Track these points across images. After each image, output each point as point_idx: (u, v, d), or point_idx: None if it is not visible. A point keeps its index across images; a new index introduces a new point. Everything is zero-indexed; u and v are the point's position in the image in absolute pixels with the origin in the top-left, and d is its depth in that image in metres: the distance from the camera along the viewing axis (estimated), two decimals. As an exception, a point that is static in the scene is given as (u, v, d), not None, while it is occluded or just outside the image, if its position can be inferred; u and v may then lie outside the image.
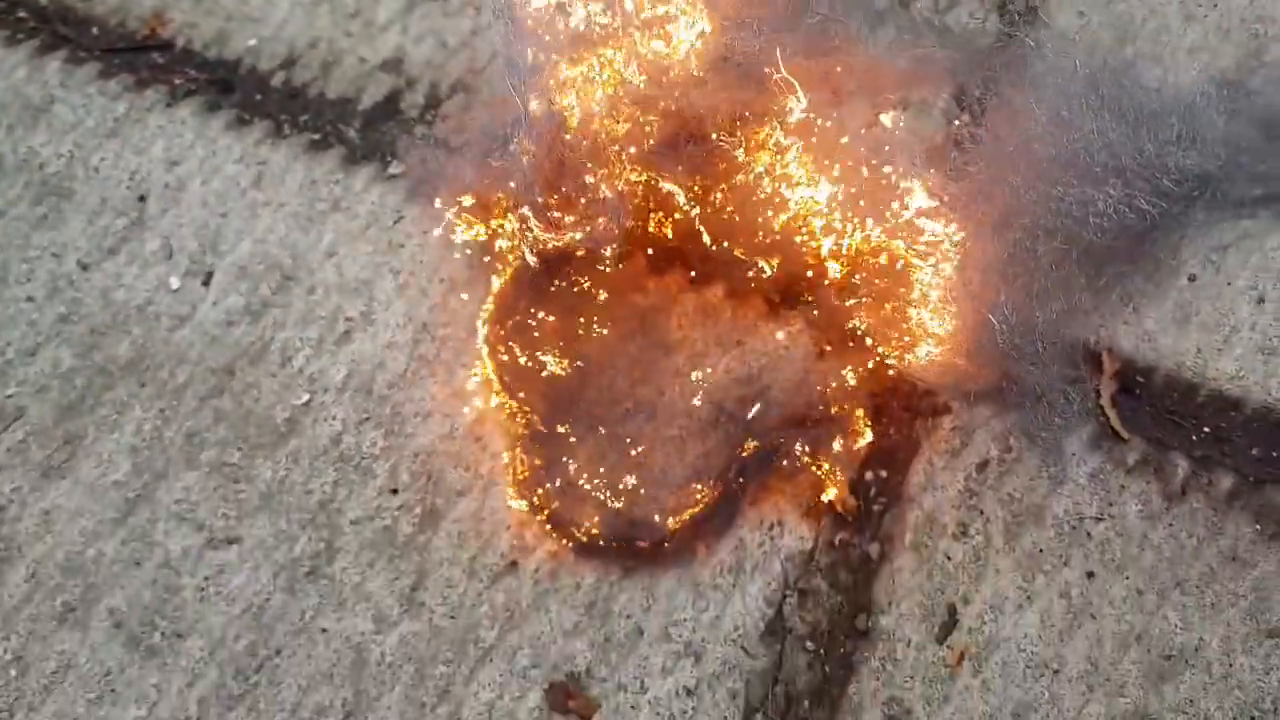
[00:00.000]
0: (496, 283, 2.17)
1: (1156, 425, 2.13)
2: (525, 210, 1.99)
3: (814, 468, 2.08)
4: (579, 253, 2.12)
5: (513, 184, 1.98)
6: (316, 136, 2.43)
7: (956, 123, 2.28)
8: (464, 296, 2.22)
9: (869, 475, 2.11)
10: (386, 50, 2.50)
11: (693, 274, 2.22)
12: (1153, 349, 2.19)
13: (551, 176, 1.93)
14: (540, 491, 2.06)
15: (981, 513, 2.06)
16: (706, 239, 2.18)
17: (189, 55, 2.52)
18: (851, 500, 2.10)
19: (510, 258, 2.14)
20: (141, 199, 2.35)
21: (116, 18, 2.56)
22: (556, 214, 1.95)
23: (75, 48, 2.51)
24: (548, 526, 2.05)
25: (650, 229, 2.19)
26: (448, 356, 2.19)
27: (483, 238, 2.20)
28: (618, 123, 2.00)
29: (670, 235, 2.19)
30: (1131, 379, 2.18)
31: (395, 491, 2.08)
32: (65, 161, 2.38)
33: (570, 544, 2.03)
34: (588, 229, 1.95)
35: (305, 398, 2.17)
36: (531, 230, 2.01)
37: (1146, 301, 2.23)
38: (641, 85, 2.05)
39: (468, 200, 2.13)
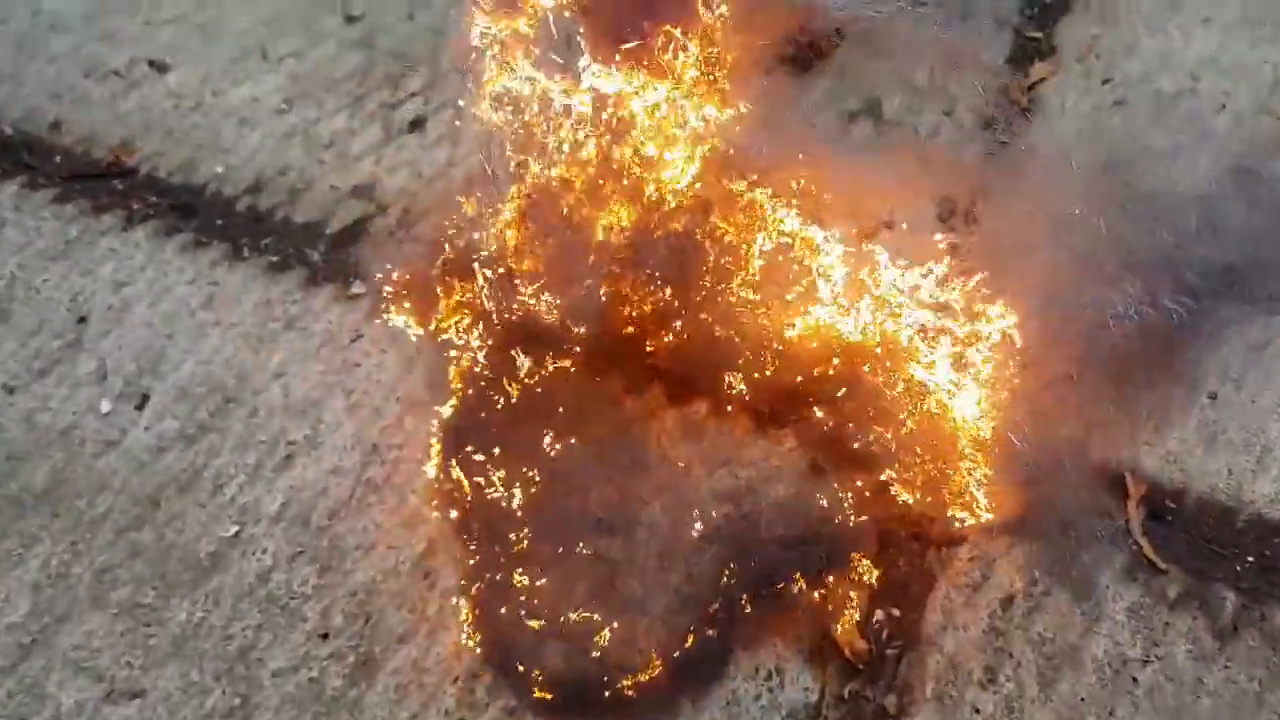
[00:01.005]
0: (454, 401, 1.95)
1: (1195, 555, 1.87)
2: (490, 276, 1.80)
3: (815, 605, 1.78)
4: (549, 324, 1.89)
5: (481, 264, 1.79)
6: (276, 259, 2.28)
7: (945, 236, 2.15)
8: (420, 416, 2.00)
9: (879, 615, 1.82)
10: (359, 178, 2.40)
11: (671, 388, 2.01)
12: (1180, 471, 1.96)
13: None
14: (495, 636, 1.75)
15: (1010, 655, 1.75)
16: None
17: (152, 181, 2.42)
18: (861, 643, 1.79)
19: (473, 372, 1.92)
20: (81, 320, 2.17)
21: (82, 146, 2.48)
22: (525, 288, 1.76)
23: (35, 174, 2.42)
24: (503, 678, 1.72)
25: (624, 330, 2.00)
26: (399, 480, 1.94)
27: (442, 343, 1.99)
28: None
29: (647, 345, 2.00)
30: (1161, 504, 1.94)
31: (326, 637, 1.77)
32: (5, 283, 2.21)
33: (529, 700, 1.70)
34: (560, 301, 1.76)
35: (234, 530, 1.89)
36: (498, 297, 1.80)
37: (1167, 421, 2.02)
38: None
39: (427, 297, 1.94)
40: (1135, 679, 1.72)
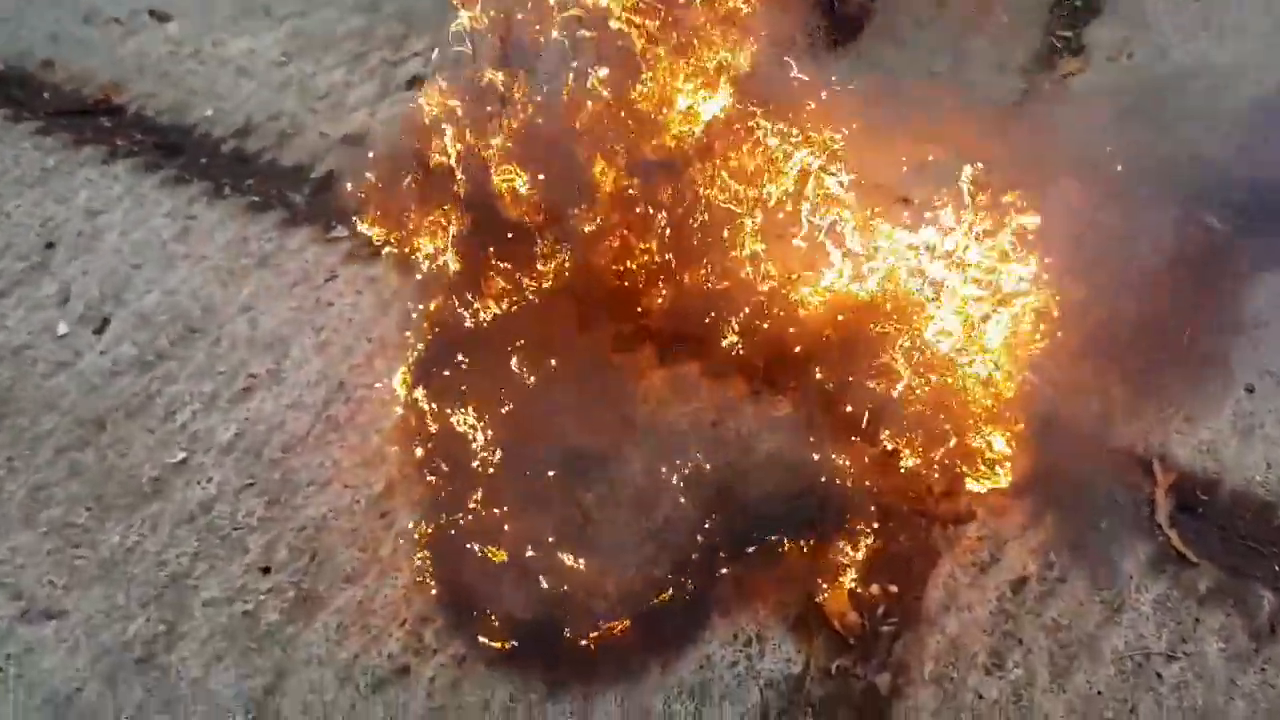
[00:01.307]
0: (426, 331, 1.88)
1: (1229, 550, 1.75)
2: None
3: (803, 570, 1.68)
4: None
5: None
6: (257, 198, 2.25)
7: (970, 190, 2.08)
8: (391, 358, 1.93)
9: (875, 589, 1.70)
10: (351, 128, 2.39)
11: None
12: (1214, 462, 1.86)
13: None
14: (451, 580, 1.65)
15: (1020, 641, 1.63)
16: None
17: (139, 120, 2.41)
18: (853, 616, 1.67)
19: (446, 302, 1.85)
20: (49, 245, 2.13)
21: (72, 85, 2.48)
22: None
23: (21, 108, 2.42)
24: (455, 625, 1.62)
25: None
26: (363, 420, 1.86)
27: (419, 283, 1.93)
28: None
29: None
30: (1192, 495, 1.83)
31: (267, 570, 1.67)
32: (-25, 207, 2.20)
33: (483, 648, 1.59)
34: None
35: (181, 456, 1.82)
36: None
37: (1200, 411, 1.93)
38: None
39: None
40: (1160, 674, 1.59)
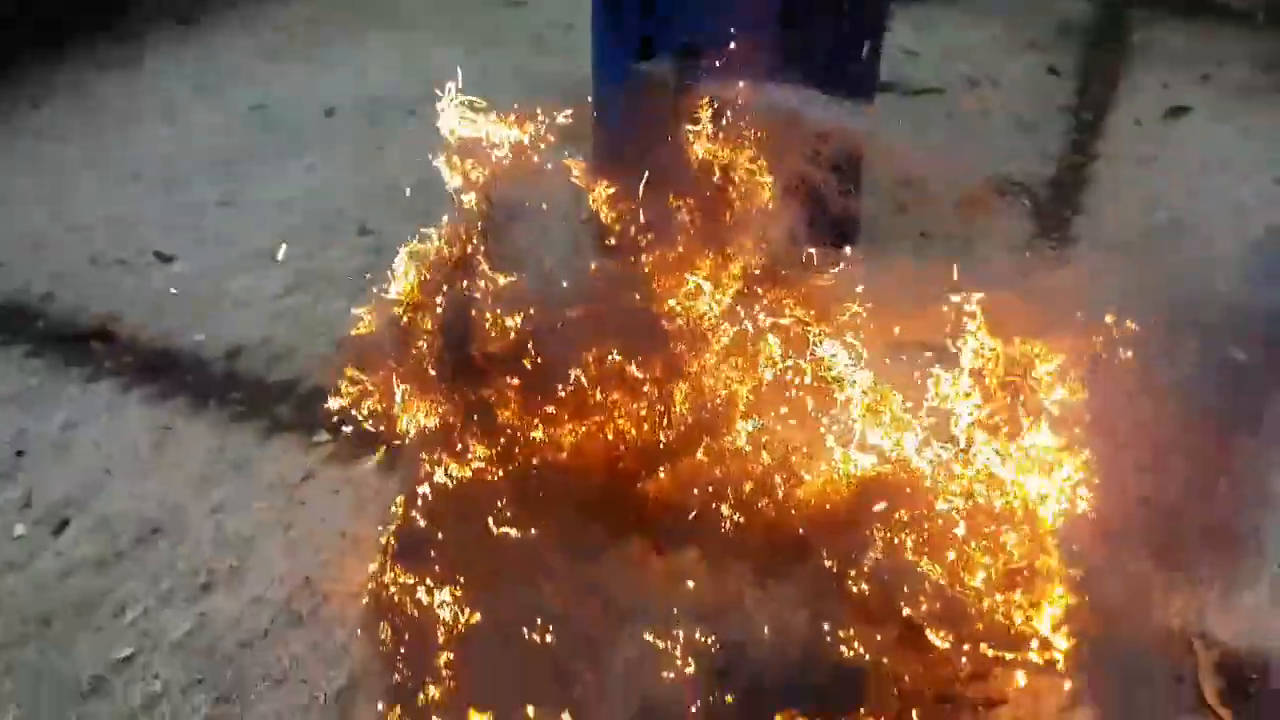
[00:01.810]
0: (401, 520, 1.87)
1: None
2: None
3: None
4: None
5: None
6: (241, 409, 2.33)
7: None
8: (365, 555, 1.91)
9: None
10: (345, 347, 2.51)
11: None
12: (1261, 636, 1.79)
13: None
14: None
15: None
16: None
17: (130, 346, 2.54)
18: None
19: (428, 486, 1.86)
20: (19, 454, 2.18)
21: (68, 315, 2.65)
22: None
23: (14, 335, 2.56)
24: (420, 831, 1.48)
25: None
26: (327, 615, 1.81)
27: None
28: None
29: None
30: (1239, 673, 1.74)
31: (209, 774, 1.56)
32: (-50, 424, 2.27)
33: None
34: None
35: (127, 652, 1.74)
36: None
37: (1235, 585, 1.88)
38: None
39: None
40: None
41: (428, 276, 1.84)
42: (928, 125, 3.70)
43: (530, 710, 1.61)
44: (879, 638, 1.72)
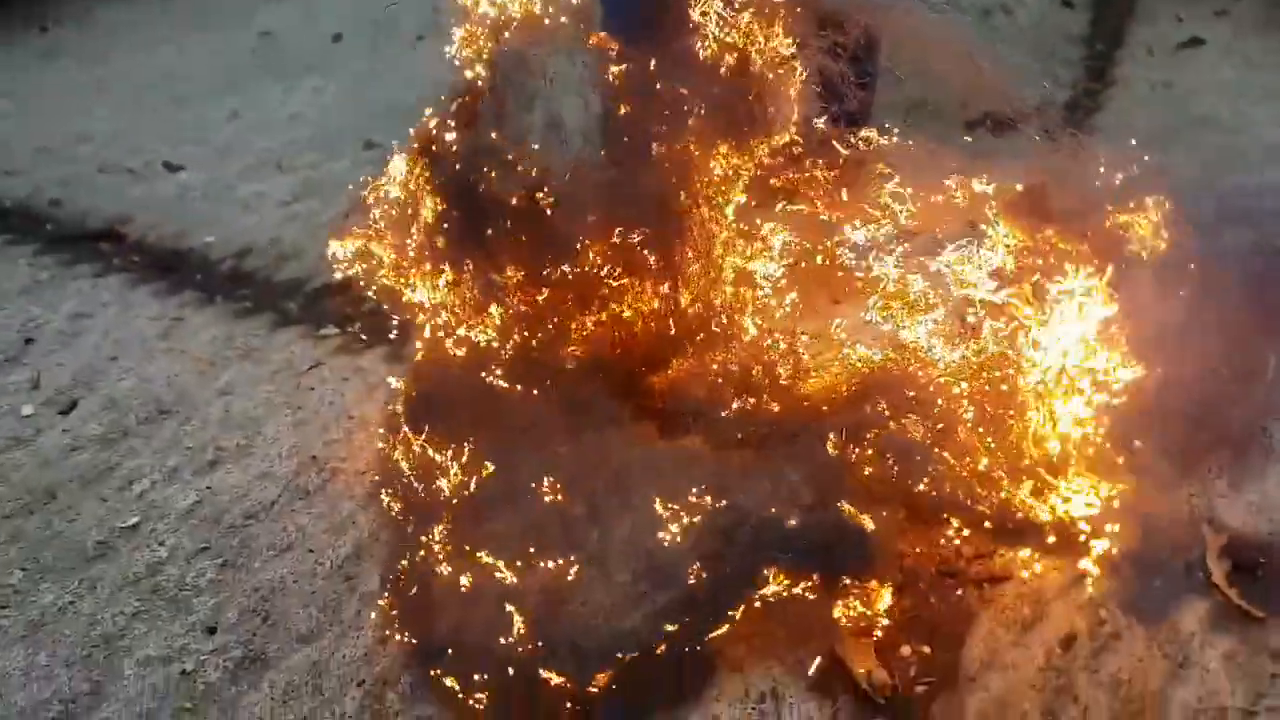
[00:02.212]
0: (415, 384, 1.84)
1: (1299, 606, 1.62)
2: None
3: (823, 621, 1.54)
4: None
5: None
6: (249, 305, 2.31)
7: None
8: (371, 434, 1.89)
9: (906, 650, 1.56)
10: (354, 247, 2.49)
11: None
12: (1268, 521, 1.76)
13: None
14: (423, 640, 1.51)
15: (1076, 698, 1.47)
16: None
17: (139, 246, 2.52)
18: (882, 675, 1.51)
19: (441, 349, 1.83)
20: (28, 341, 2.16)
21: (76, 219, 2.63)
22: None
23: (22, 235, 2.54)
24: (423, 686, 1.47)
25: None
26: (335, 489, 1.79)
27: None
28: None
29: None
30: (1247, 556, 1.72)
31: (213, 630, 1.54)
32: (-38, 315, 2.26)
33: (456, 706, 1.43)
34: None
35: (134, 521, 1.73)
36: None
37: (1242, 477, 1.86)
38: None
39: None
40: (1244, 734, 1.42)
41: (435, 145, 1.79)
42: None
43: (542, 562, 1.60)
44: (884, 514, 1.70)
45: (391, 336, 2.13)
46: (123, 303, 2.31)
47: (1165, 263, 1.81)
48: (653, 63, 1.93)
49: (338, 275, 2.02)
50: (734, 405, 1.90)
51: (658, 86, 1.92)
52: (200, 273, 2.45)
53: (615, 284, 1.91)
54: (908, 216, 1.94)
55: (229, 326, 2.24)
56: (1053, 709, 1.45)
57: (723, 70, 2.00)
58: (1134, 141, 2.83)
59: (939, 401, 1.80)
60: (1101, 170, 1.91)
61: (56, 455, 1.89)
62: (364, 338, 2.17)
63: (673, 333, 1.97)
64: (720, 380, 1.95)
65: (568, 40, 1.81)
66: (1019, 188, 1.85)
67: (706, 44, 1.99)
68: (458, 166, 1.68)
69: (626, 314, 1.98)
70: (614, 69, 1.89)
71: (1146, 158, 1.83)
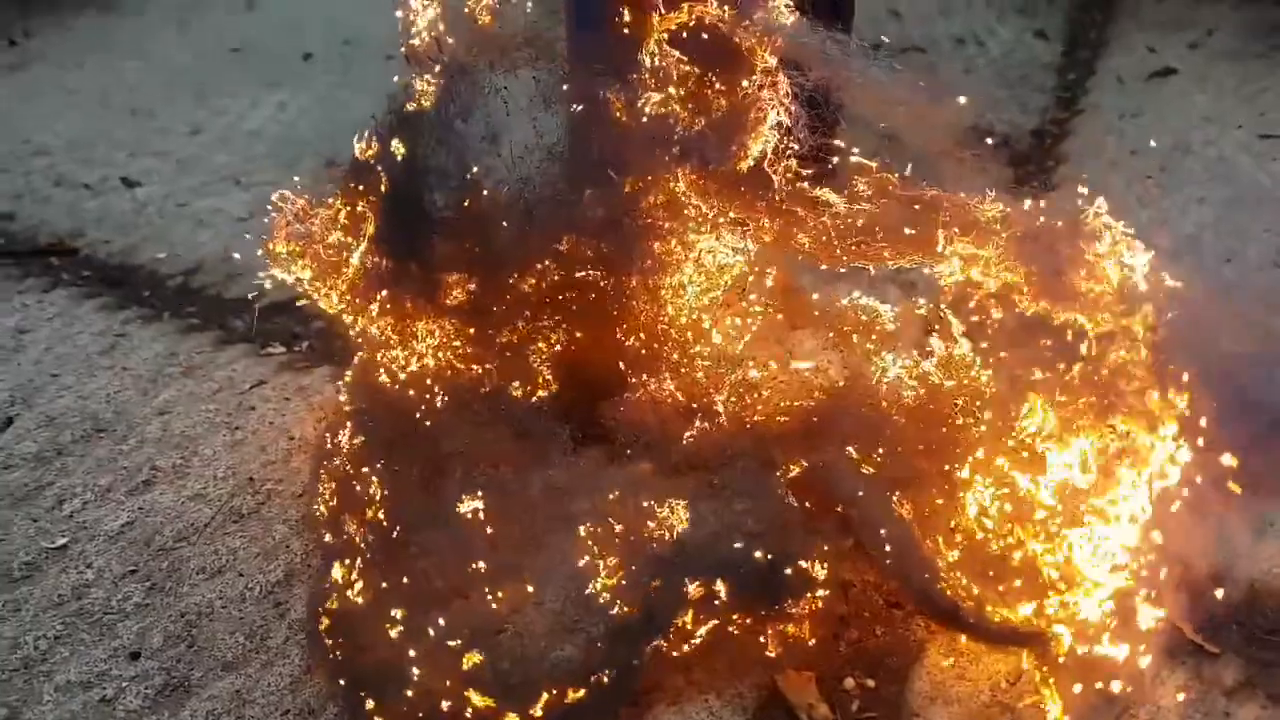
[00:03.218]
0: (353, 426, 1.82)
1: (1252, 643, 1.62)
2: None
3: (761, 652, 1.52)
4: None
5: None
6: (196, 321, 2.28)
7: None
8: (310, 456, 1.86)
9: (850, 683, 1.54)
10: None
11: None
12: (1225, 555, 1.75)
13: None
14: (350, 670, 1.48)
15: (1023, 724, 1.45)
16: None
17: (89, 261, 2.50)
18: (824, 709, 1.49)
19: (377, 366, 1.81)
20: (-33, 357, 2.14)
21: (28, 233, 2.61)
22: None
23: (-29, 250, 2.52)
24: (353, 712, 1.44)
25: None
26: (270, 512, 1.76)
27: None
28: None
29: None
30: (1203, 589, 1.71)
31: (137, 656, 1.51)
32: (-101, 330, 2.22)
33: (379, 740, 1.40)
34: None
35: (62, 542, 1.70)
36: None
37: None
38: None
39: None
40: (1195, 768, 1.41)
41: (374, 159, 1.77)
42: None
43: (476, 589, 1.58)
44: (831, 544, 1.68)
45: (336, 356, 2.11)
46: (67, 317, 2.29)
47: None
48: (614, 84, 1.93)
49: (287, 294, 2.01)
50: (685, 432, 1.89)
51: (618, 108, 1.92)
52: (148, 289, 2.42)
53: (565, 308, 1.91)
54: (867, 245, 1.94)
55: (174, 344, 2.22)
56: (996, 744, 1.43)
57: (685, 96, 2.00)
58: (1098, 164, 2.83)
59: (889, 432, 1.80)
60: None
61: (-12, 474, 1.86)
62: (308, 358, 2.15)
63: (624, 358, 1.96)
64: (671, 406, 1.94)
65: (521, 58, 1.81)
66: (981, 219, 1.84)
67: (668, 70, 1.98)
68: (396, 182, 1.66)
69: (575, 338, 1.97)
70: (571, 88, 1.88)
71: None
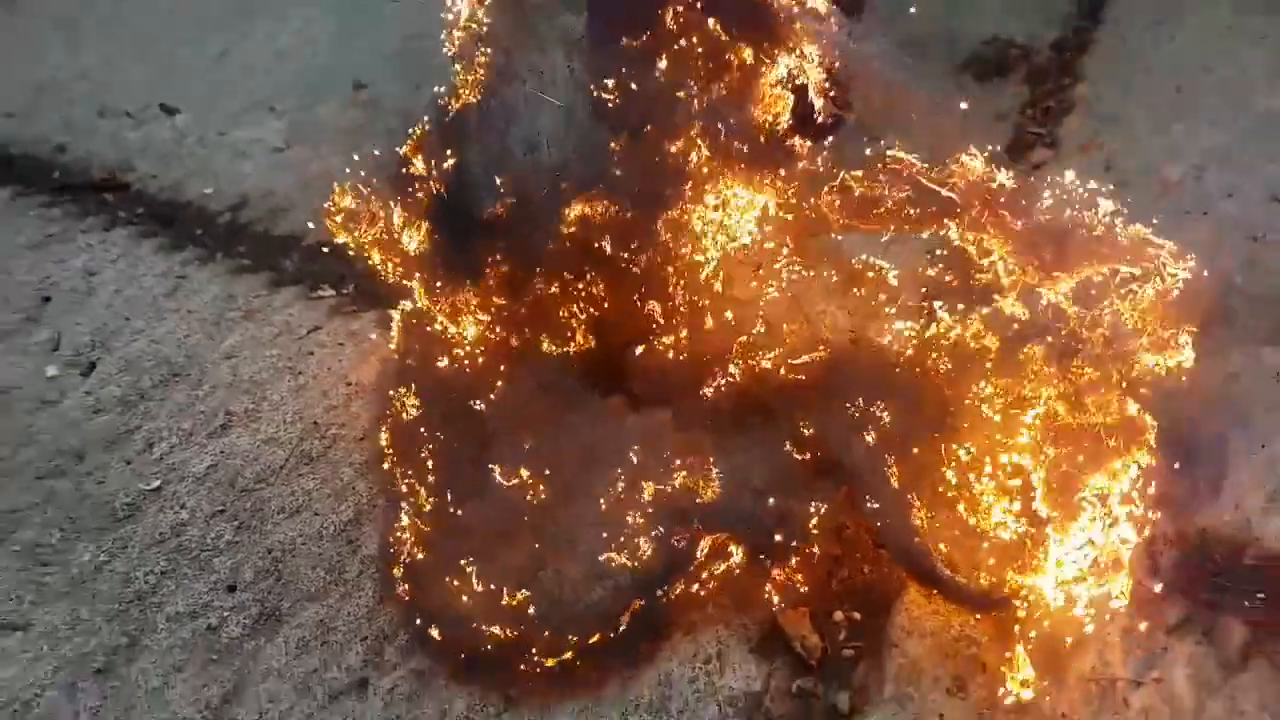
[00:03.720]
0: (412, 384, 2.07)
1: (1198, 585, 1.87)
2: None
3: (762, 593, 1.80)
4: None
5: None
6: (248, 262, 2.51)
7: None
8: (368, 402, 2.12)
9: (838, 615, 1.82)
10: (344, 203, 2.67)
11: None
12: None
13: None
14: (418, 603, 1.78)
15: (984, 666, 1.73)
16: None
17: (140, 196, 2.70)
18: (814, 639, 1.78)
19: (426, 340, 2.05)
20: (46, 299, 2.37)
21: (80, 166, 2.80)
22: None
23: (29, 186, 2.72)
24: (418, 642, 1.74)
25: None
26: (336, 455, 2.03)
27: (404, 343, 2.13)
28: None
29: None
30: (1162, 535, 1.96)
31: (233, 589, 1.81)
32: (-22, 270, 2.46)
33: (444, 661, 1.70)
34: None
35: (156, 484, 1.98)
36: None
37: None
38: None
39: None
40: (1126, 701, 1.69)
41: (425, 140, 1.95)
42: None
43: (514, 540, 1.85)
44: (829, 489, 1.93)
45: (381, 300, 2.33)
46: (130, 258, 2.50)
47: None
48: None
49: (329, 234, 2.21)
50: (701, 385, 2.11)
51: (638, 80, 2.06)
52: (199, 227, 2.63)
53: (590, 273, 2.11)
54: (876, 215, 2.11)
55: (229, 284, 2.44)
56: (961, 675, 1.71)
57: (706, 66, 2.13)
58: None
59: (889, 391, 2.02)
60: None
61: (81, 417, 2.12)
62: (355, 301, 2.37)
63: (647, 317, 2.16)
64: (690, 357, 2.16)
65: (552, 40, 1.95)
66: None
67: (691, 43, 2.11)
68: (442, 189, 1.85)
69: (601, 300, 2.18)
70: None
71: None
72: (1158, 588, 1.86)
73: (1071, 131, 3.09)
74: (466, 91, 1.87)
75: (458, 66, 1.90)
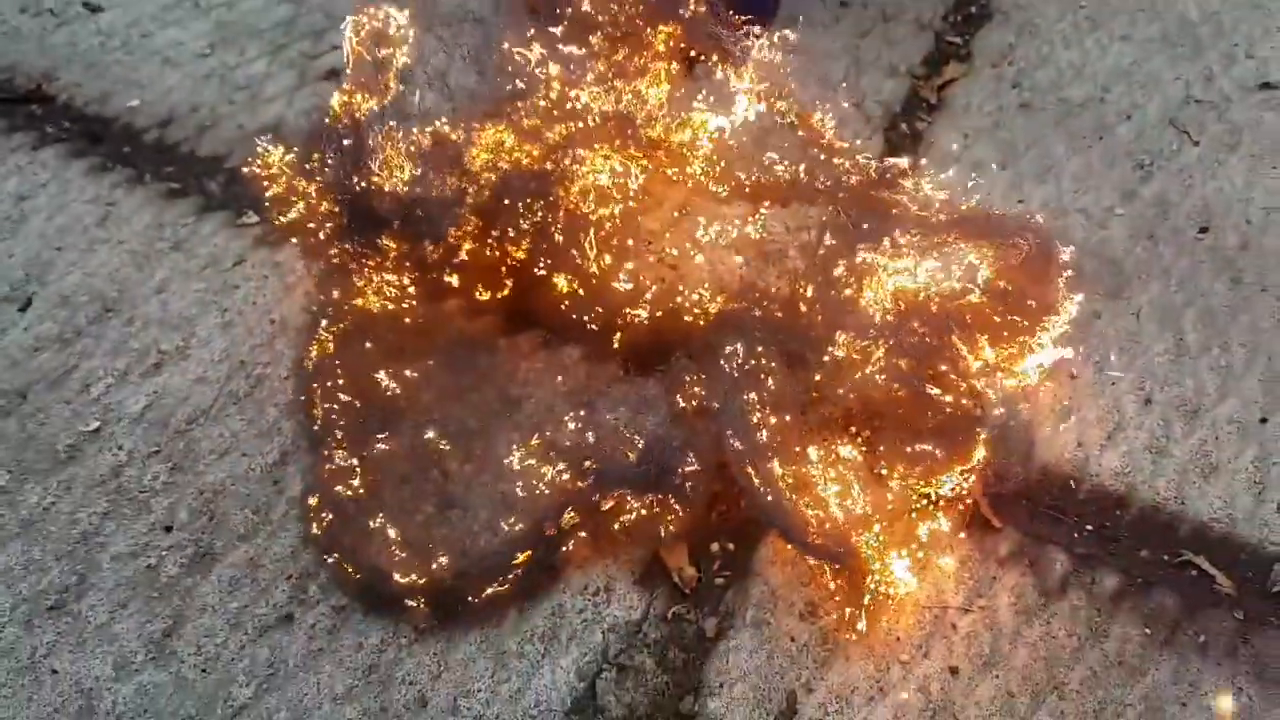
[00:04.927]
0: (326, 324, 2.13)
1: (1033, 518, 2.04)
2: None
3: (649, 529, 1.95)
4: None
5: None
6: (176, 185, 2.49)
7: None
8: (291, 339, 2.18)
9: (715, 547, 1.98)
10: (266, 118, 2.62)
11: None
12: (1026, 441, 2.13)
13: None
14: (334, 541, 1.91)
15: (835, 595, 1.91)
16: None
17: (67, 109, 2.63)
18: (690, 570, 1.95)
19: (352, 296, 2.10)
20: (-22, 228, 2.37)
21: (4, 75, 2.70)
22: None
23: (-47, 93, 2.64)
24: (334, 579, 1.88)
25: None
26: (261, 395, 2.11)
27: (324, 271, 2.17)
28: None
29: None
30: (1006, 470, 2.11)
31: (169, 529, 1.93)
32: (-95, 192, 2.43)
33: (359, 599, 1.86)
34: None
35: (95, 425, 2.07)
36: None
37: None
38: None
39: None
40: (954, 625, 1.87)
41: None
42: None
43: (418, 477, 1.97)
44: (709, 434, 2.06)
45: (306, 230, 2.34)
46: (60, 182, 2.47)
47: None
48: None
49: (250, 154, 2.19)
50: (609, 319, 2.19)
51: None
52: (128, 145, 2.58)
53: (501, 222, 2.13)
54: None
55: (158, 211, 2.43)
56: (814, 602, 1.89)
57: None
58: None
59: (790, 329, 2.10)
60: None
61: (22, 356, 2.17)
62: (280, 231, 2.37)
63: (557, 257, 2.21)
64: (596, 292, 2.23)
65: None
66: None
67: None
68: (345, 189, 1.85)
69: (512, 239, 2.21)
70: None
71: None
72: (996, 523, 2.03)
73: (987, 44, 3.04)
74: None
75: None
